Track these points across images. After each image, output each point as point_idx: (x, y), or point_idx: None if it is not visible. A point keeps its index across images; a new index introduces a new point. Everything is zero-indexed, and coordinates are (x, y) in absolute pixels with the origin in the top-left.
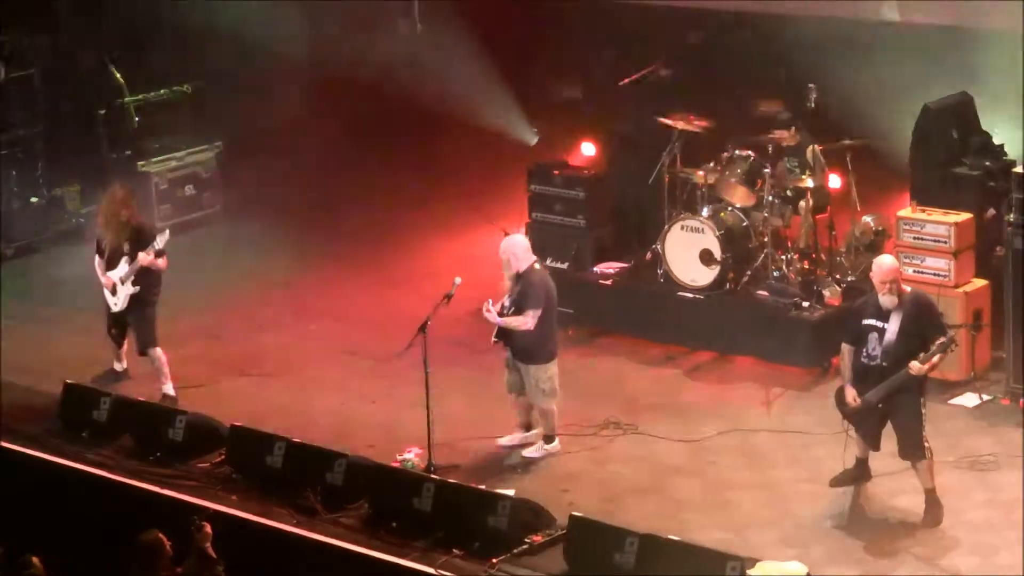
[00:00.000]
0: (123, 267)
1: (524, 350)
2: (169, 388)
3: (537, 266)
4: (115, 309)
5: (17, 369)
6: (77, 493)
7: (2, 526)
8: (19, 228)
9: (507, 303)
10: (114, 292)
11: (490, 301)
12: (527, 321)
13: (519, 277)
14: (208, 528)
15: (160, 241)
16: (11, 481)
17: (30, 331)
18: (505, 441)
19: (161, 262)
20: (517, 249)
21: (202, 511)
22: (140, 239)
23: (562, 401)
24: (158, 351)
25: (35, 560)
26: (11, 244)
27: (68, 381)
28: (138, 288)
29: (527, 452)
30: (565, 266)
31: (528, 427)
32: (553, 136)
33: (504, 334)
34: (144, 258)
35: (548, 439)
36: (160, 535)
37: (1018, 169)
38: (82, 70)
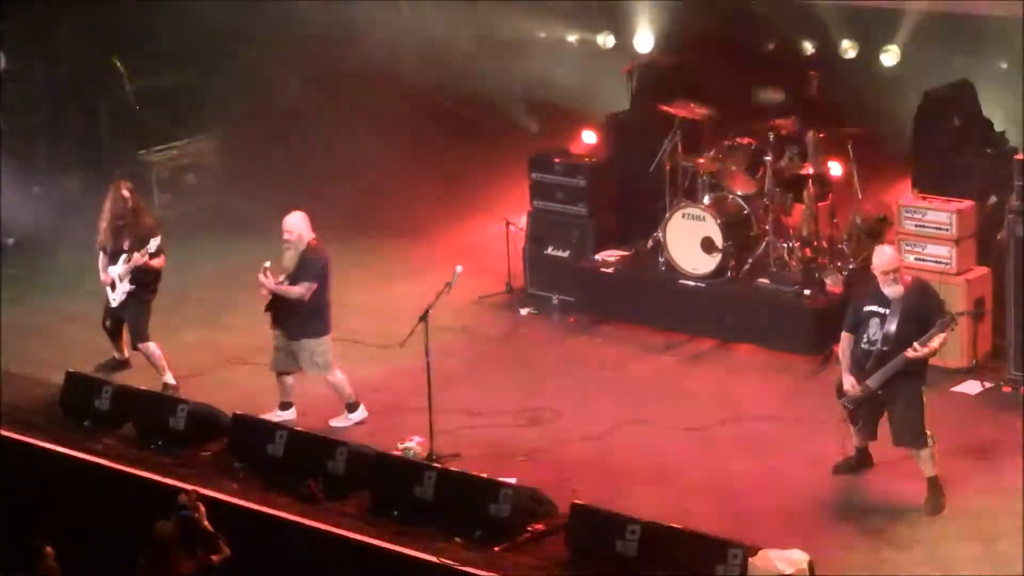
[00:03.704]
0: (121, 265)
1: (298, 324)
2: (169, 378)
3: (315, 242)
4: (113, 304)
5: (18, 358)
6: (79, 482)
7: (5, 515)
8: (20, 217)
9: (281, 277)
10: (113, 288)
11: (267, 269)
12: (301, 292)
13: (299, 251)
14: (202, 507)
15: (153, 244)
16: (12, 470)
17: (31, 320)
18: (268, 416)
19: (157, 262)
20: (302, 224)
21: (184, 492)
22: (140, 238)
23: (563, 389)
24: (150, 346)
25: (48, 550)
26: (12, 234)
27: (70, 370)
28: (135, 287)
29: (333, 422)
30: (566, 254)
31: (287, 407)
32: (554, 124)
33: (275, 311)
34: (138, 259)
35: (351, 407)
36: (172, 527)
37: (1019, 156)
38: (83, 59)
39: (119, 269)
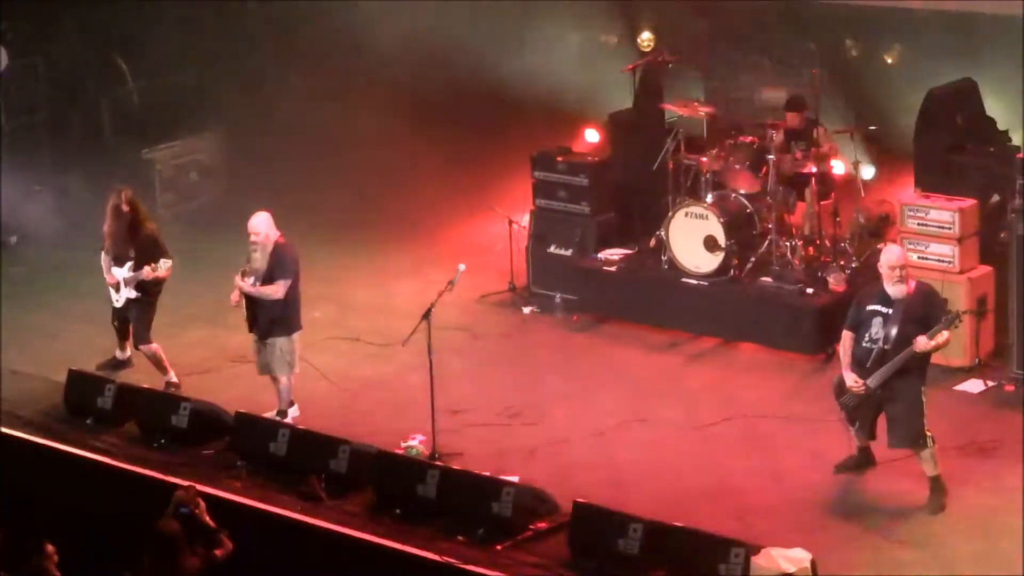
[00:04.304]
0: (126, 271)
1: (271, 322)
2: (172, 376)
3: (282, 239)
4: (116, 305)
5: (20, 357)
6: (81, 480)
7: (6, 513)
8: (22, 216)
9: (252, 279)
10: (117, 290)
11: (245, 273)
12: (278, 290)
13: (268, 251)
14: (202, 503)
15: (163, 265)
16: (14, 468)
17: (34, 319)
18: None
19: (163, 272)
20: (268, 224)
21: (182, 488)
22: (145, 247)
23: (566, 388)
24: (152, 347)
25: (49, 548)
26: (14, 232)
27: (72, 368)
28: (139, 294)
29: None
30: (569, 253)
31: (285, 414)
32: (557, 123)
33: (251, 312)
34: (146, 273)
35: (282, 414)
36: (178, 525)
37: (1022, 155)
38: (86, 57)
39: (124, 274)
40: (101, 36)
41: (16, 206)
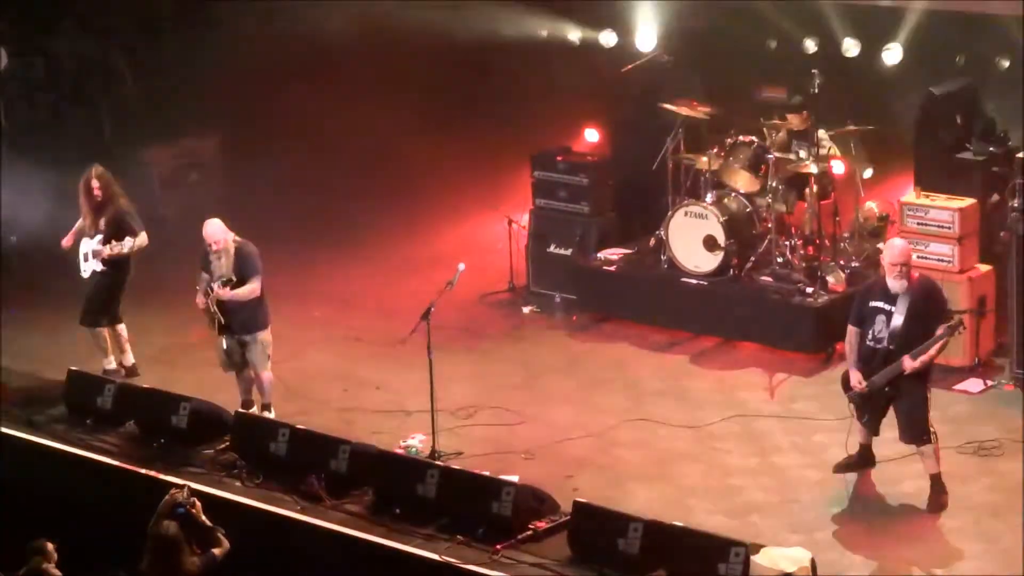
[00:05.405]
0: (95, 243)
1: (249, 320)
2: (110, 363)
3: (241, 240)
4: (83, 275)
5: (21, 356)
6: (81, 480)
7: (6, 513)
8: (22, 215)
9: (217, 284)
10: (86, 259)
11: (217, 284)
12: (255, 289)
13: (231, 254)
14: (198, 503)
15: (127, 244)
16: (14, 468)
17: (34, 318)
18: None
19: (134, 243)
20: (224, 229)
21: (178, 488)
22: (114, 224)
23: (566, 388)
24: (100, 330)
25: (49, 546)
26: (13, 231)
27: (72, 368)
28: (105, 268)
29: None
30: (569, 252)
31: (250, 405)
32: (557, 122)
33: (224, 314)
34: (106, 251)
35: (267, 408)
36: (177, 526)
37: (1021, 154)
38: (85, 57)
39: (92, 245)
40: (101, 36)
41: (15, 205)
